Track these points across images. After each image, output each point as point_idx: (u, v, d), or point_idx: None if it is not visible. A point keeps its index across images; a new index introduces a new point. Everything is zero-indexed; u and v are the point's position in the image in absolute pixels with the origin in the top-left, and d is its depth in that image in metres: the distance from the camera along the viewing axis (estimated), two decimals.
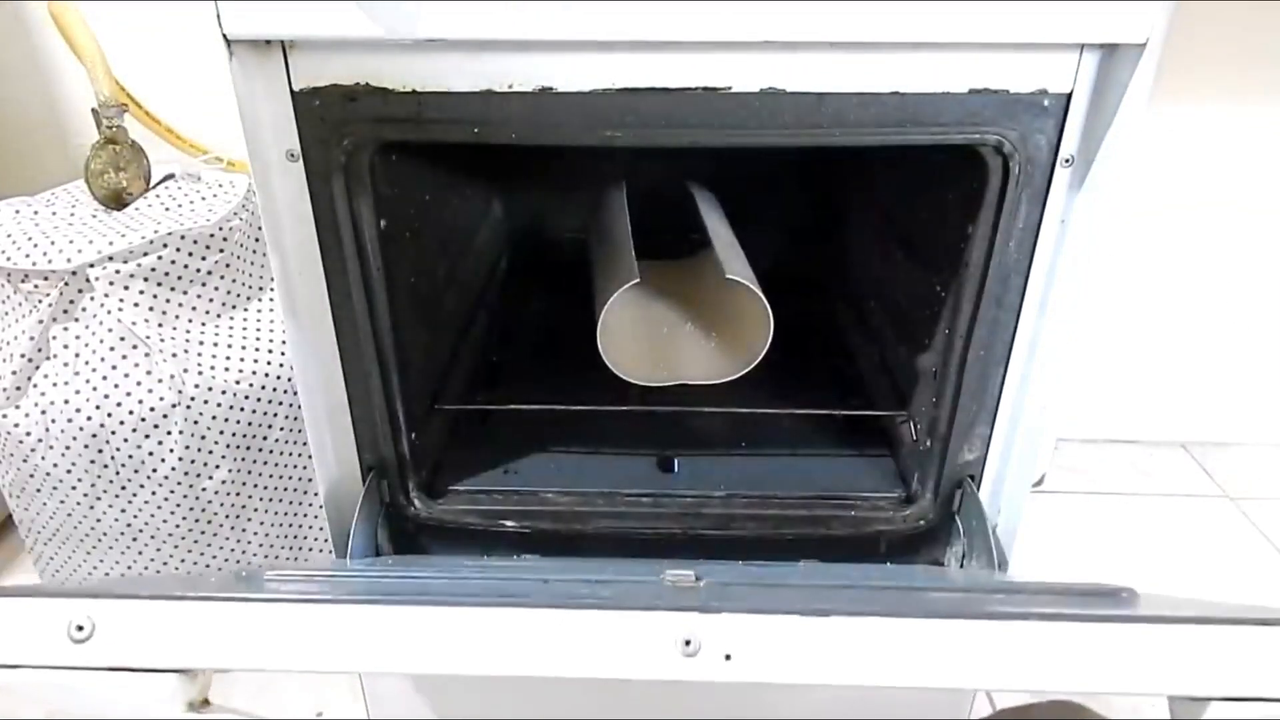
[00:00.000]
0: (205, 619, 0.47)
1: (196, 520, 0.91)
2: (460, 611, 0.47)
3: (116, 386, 0.85)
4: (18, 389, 0.86)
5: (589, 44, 0.60)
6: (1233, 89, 1.18)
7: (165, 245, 0.86)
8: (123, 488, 0.88)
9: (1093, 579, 1.20)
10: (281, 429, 0.93)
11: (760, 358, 0.86)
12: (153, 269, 0.85)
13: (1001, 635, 0.46)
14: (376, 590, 0.56)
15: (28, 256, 0.83)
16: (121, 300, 0.85)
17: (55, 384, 0.85)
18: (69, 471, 0.86)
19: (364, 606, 0.48)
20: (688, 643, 0.46)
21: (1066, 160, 0.64)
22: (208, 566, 0.95)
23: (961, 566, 0.79)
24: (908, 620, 0.46)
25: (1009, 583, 0.56)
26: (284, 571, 0.57)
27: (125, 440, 0.85)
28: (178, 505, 0.90)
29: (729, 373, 0.88)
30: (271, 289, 0.95)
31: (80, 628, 0.46)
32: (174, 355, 0.87)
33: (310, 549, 1.00)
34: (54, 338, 0.85)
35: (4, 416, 0.86)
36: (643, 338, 1.00)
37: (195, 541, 0.93)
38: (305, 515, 0.99)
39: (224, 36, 0.59)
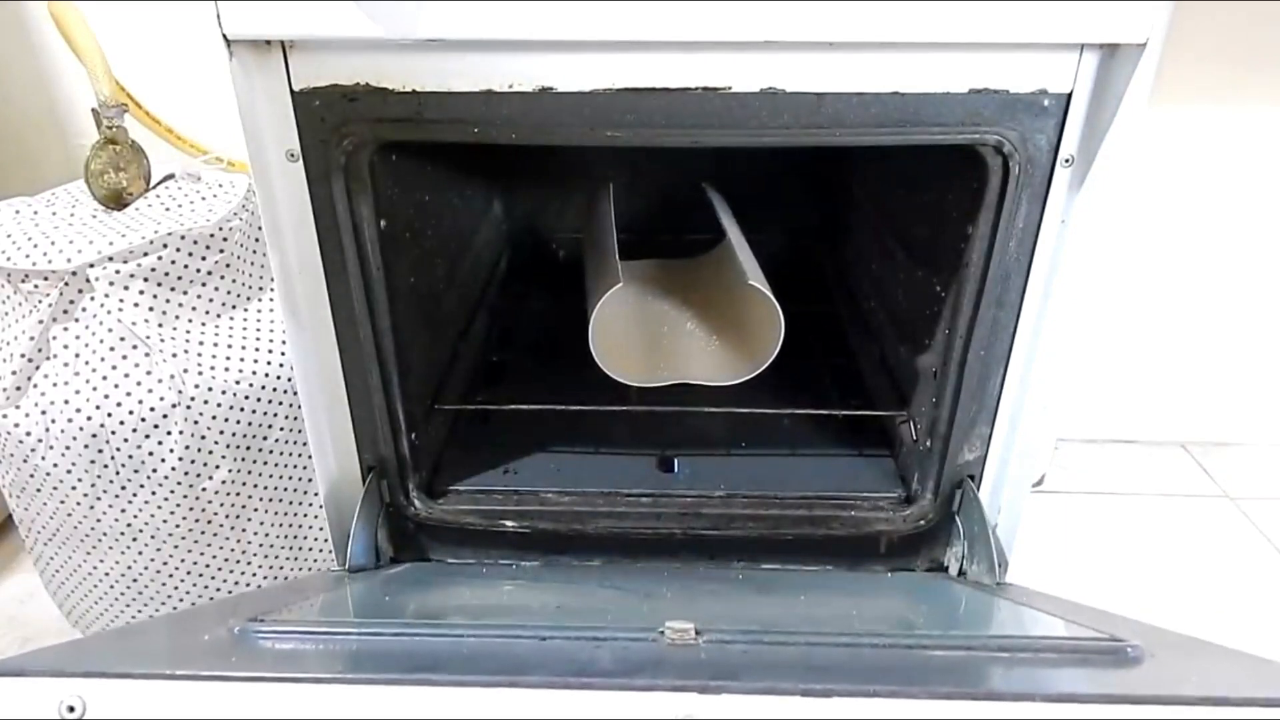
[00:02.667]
0: (196, 698, 0.47)
1: (196, 520, 0.91)
2: (457, 693, 0.47)
3: (116, 386, 0.85)
4: (18, 389, 0.86)
5: (589, 44, 0.60)
6: (1232, 89, 1.18)
7: (165, 245, 0.85)
8: (123, 488, 0.88)
9: (1093, 581, 1.20)
10: (281, 429, 0.93)
11: (766, 365, 0.86)
12: (153, 269, 0.85)
13: (1003, 714, 0.46)
14: (373, 657, 0.55)
15: (28, 257, 0.83)
16: (121, 300, 0.85)
17: (55, 384, 0.85)
18: (69, 471, 0.86)
19: (359, 688, 0.47)
20: None
21: (1066, 160, 0.64)
22: (207, 567, 0.95)
23: (962, 569, 0.79)
24: (907, 701, 0.46)
25: (1014, 639, 0.55)
26: (278, 628, 0.55)
27: (125, 440, 0.85)
28: (178, 505, 0.90)
29: (731, 375, 0.88)
30: (271, 289, 0.95)
31: (71, 708, 0.46)
32: (174, 355, 0.87)
33: (310, 549, 1.00)
34: (54, 338, 0.85)
35: (4, 416, 0.86)
36: (639, 337, 1.00)
37: (195, 541, 0.93)
38: (305, 515, 0.99)
39: (224, 36, 0.59)
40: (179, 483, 0.89)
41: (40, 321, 0.85)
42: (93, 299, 0.85)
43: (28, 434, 0.85)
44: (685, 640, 0.53)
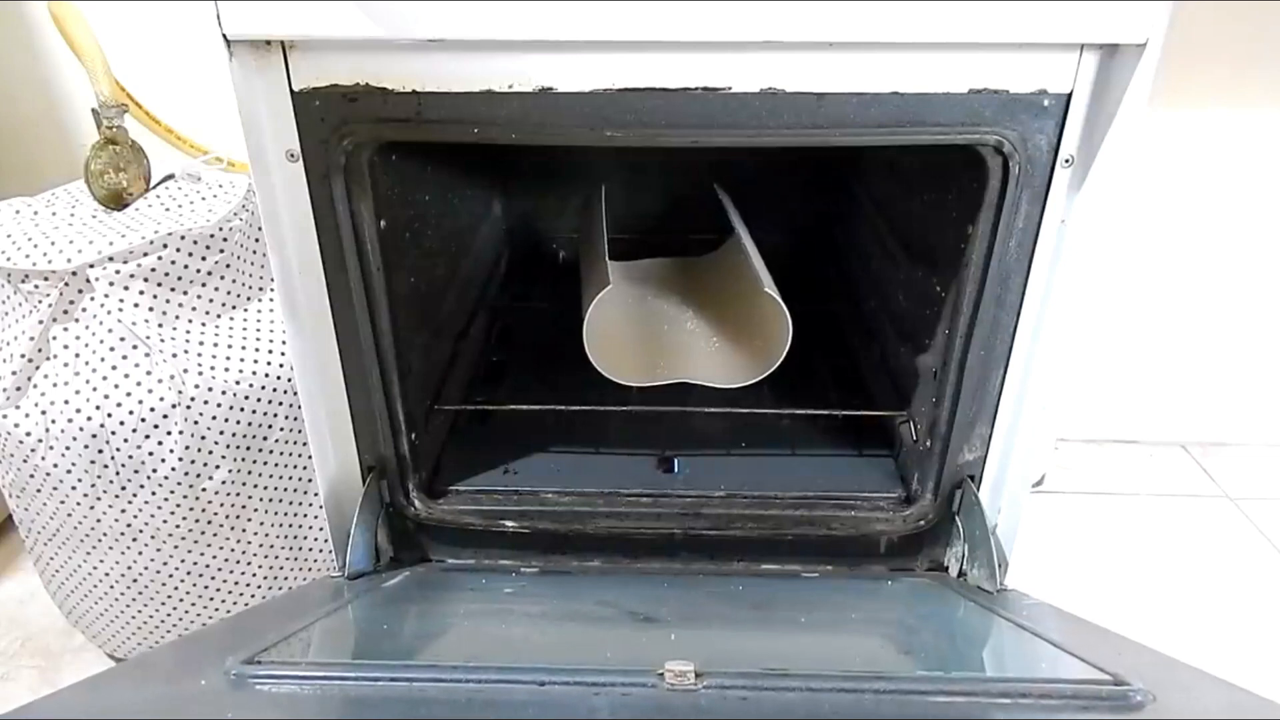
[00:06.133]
0: None
1: (196, 520, 0.91)
2: None
3: (116, 386, 0.85)
4: (18, 389, 0.86)
5: (589, 44, 0.60)
6: (1233, 90, 1.18)
7: (165, 245, 0.85)
8: (123, 488, 0.88)
9: (1093, 581, 1.20)
10: (281, 429, 0.93)
11: (769, 372, 0.86)
12: (153, 269, 0.85)
13: None
14: (371, 705, 0.55)
15: (28, 257, 0.83)
16: (121, 300, 0.85)
17: (55, 384, 0.85)
18: (69, 471, 0.86)
19: None
20: None
21: (1066, 160, 0.64)
22: (207, 567, 0.95)
23: (962, 570, 0.79)
24: None
25: (1014, 682, 0.55)
26: (275, 670, 0.55)
27: (125, 440, 0.85)
28: (178, 505, 0.90)
29: (733, 378, 0.88)
30: (271, 289, 0.95)
31: None
32: (174, 355, 0.87)
33: (310, 549, 1.00)
34: (54, 338, 0.85)
35: (4, 417, 0.86)
36: (638, 337, 1.00)
37: (195, 541, 0.93)
38: (305, 515, 0.99)
39: (224, 36, 0.59)
40: (179, 483, 0.89)
41: (40, 321, 0.85)
42: (93, 299, 0.85)
43: (28, 434, 0.85)
44: (684, 685, 0.52)
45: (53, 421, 0.85)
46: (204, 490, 0.90)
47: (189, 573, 0.95)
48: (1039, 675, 0.59)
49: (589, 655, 0.67)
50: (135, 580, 0.94)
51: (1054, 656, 0.61)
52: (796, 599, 0.80)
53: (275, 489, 0.95)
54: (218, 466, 0.90)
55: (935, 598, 0.79)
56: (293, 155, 0.65)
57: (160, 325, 0.87)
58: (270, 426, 0.92)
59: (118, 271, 0.84)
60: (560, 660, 0.56)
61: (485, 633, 0.74)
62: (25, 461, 0.87)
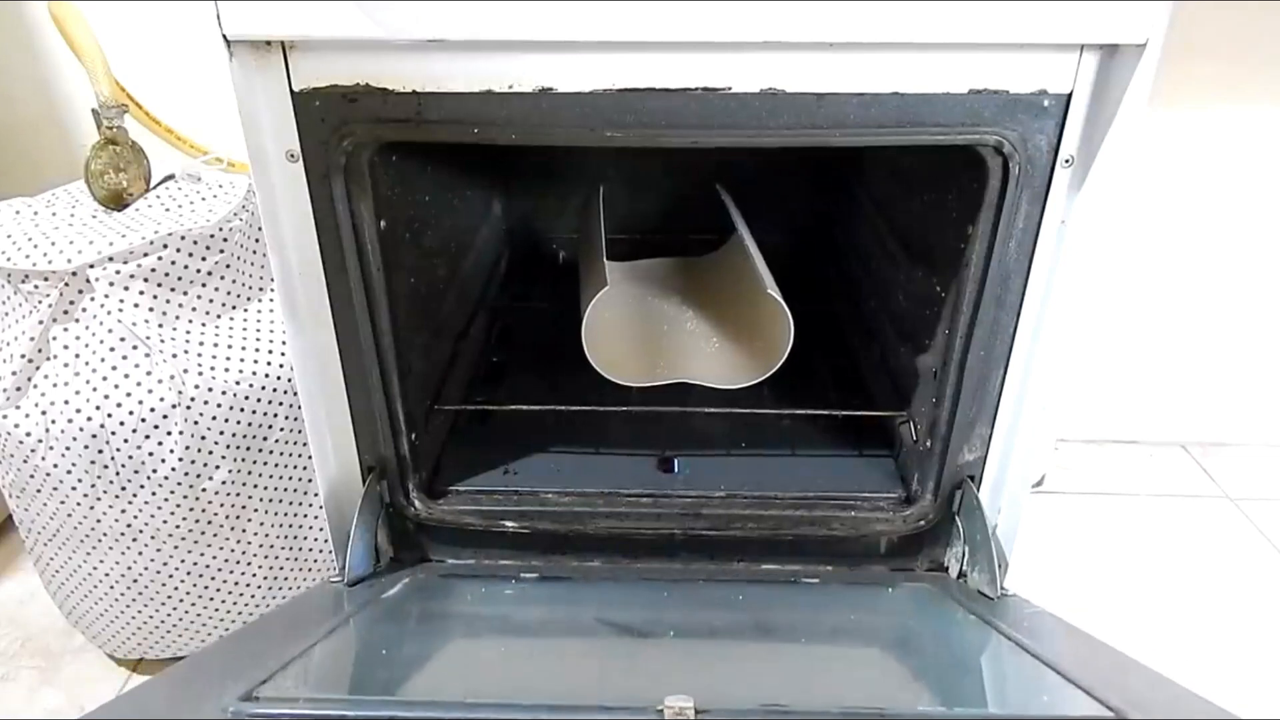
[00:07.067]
0: None
1: (196, 520, 0.91)
2: None
3: (116, 387, 0.85)
4: (18, 389, 0.86)
5: (589, 44, 0.60)
6: (1232, 89, 1.18)
7: (165, 246, 0.85)
8: (123, 488, 0.88)
9: (1093, 582, 1.20)
10: (281, 429, 0.93)
11: (770, 373, 0.86)
12: (153, 269, 0.85)
13: None
14: None
15: (28, 257, 0.83)
16: (121, 301, 0.85)
17: (55, 384, 0.85)
18: (69, 472, 0.86)
19: None
20: None
21: (1066, 161, 0.64)
22: (207, 568, 0.95)
23: (962, 570, 0.79)
24: None
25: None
26: (272, 709, 0.55)
27: (125, 440, 0.85)
28: (178, 505, 0.90)
29: (733, 379, 0.88)
30: (271, 289, 0.95)
31: None
32: (174, 355, 0.87)
33: (310, 549, 1.00)
34: (54, 338, 0.85)
35: (4, 417, 0.86)
36: (638, 337, 1.00)
37: (195, 542, 0.93)
38: (305, 515, 0.99)
39: (224, 37, 0.59)
40: (179, 483, 0.89)
41: (40, 321, 0.85)
42: (93, 299, 0.85)
43: (28, 434, 0.85)
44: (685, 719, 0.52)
45: (53, 421, 0.85)
46: (204, 490, 0.90)
47: (189, 573, 0.95)
48: (1040, 710, 0.59)
49: (588, 680, 0.67)
50: (135, 580, 0.94)
51: (1056, 686, 0.61)
52: (796, 612, 0.79)
53: (275, 489, 0.95)
54: (218, 466, 0.90)
55: (935, 610, 0.79)
56: (293, 155, 0.65)
57: (160, 325, 0.87)
58: (270, 426, 0.92)
59: (118, 272, 0.84)
60: (558, 694, 0.56)
61: (484, 657, 0.74)
62: (25, 461, 0.87)
